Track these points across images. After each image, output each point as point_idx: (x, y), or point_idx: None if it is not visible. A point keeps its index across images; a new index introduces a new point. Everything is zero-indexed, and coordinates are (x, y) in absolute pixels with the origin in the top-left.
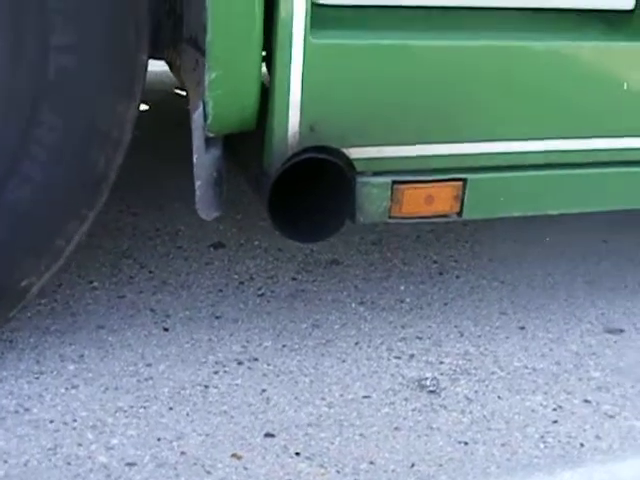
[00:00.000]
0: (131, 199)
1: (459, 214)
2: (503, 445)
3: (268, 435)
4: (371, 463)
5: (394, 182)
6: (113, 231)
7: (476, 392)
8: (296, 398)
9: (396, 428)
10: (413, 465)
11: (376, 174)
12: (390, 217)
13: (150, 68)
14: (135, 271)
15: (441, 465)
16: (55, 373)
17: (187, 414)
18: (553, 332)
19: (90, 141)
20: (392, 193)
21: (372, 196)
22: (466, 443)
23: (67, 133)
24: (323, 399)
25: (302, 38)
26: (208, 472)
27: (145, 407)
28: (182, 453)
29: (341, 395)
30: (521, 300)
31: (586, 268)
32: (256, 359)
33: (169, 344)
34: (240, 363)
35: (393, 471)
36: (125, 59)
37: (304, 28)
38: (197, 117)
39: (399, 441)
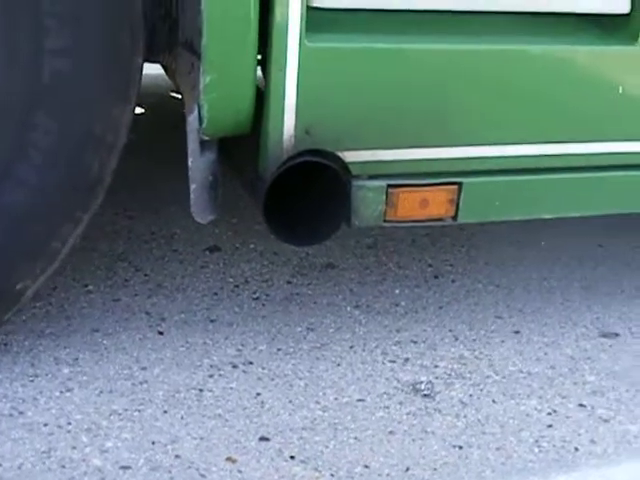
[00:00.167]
0: (126, 202)
1: (454, 218)
2: (498, 449)
3: (263, 439)
4: (365, 467)
5: (389, 186)
6: (108, 234)
7: (471, 396)
8: (291, 402)
9: (391, 432)
10: (408, 469)
11: (371, 178)
12: (385, 221)
13: (146, 71)
14: (130, 274)
15: (435, 469)
16: (50, 376)
17: (182, 417)
18: (548, 336)
19: (85, 144)
20: (387, 197)
21: (367, 200)
22: (461, 447)
23: (62, 136)
24: (318, 403)
25: (297, 42)
26: (202, 475)
27: (140, 410)
28: (176, 456)
29: (336, 399)
30: (516, 304)
31: (582, 272)
32: (251, 362)
33: (164, 347)
34: (235, 366)
35: (387, 475)
36: (120, 62)
37: (299, 32)
38: (192, 120)
39: (394, 445)
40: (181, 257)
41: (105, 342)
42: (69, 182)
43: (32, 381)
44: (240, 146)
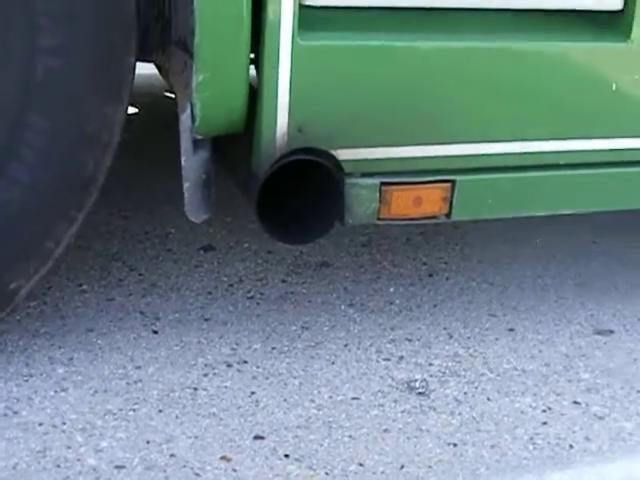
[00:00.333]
0: (121, 202)
1: (448, 216)
2: (492, 447)
3: (257, 437)
4: (360, 465)
5: (382, 183)
6: (103, 234)
7: (465, 394)
8: (285, 400)
9: (385, 430)
10: (402, 467)
11: (364, 175)
12: (379, 219)
13: (140, 71)
14: (124, 274)
15: (430, 467)
16: (44, 376)
17: (176, 417)
18: (543, 334)
19: (78, 143)
20: (380, 194)
21: (361, 197)
22: (455, 445)
23: (55, 135)
24: (312, 401)
25: (290, 40)
26: (197, 474)
27: (134, 410)
28: (171, 455)
29: (330, 397)
30: (511, 302)
31: (576, 270)
32: (245, 361)
33: (158, 347)
34: (229, 365)
35: (382, 473)
36: (113, 62)
37: (292, 30)
38: (185, 119)
39: (388, 443)
40: (175, 256)
41: (100, 341)
42: (63, 181)
43: (27, 381)
44: (233, 144)
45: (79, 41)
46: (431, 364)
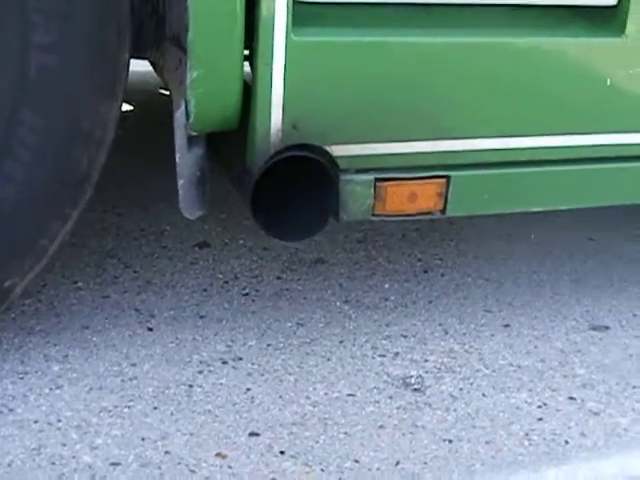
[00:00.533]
0: (115, 199)
1: (443, 211)
2: (488, 443)
3: (253, 434)
4: (356, 461)
5: (377, 179)
6: (97, 231)
7: (461, 390)
8: (280, 397)
9: (381, 426)
10: (398, 463)
11: (359, 171)
12: (374, 215)
13: (134, 68)
14: (120, 271)
15: (426, 463)
16: (39, 373)
17: (171, 413)
18: (538, 329)
19: (72, 141)
20: (375, 190)
21: (355, 194)
22: (450, 441)
23: (49, 133)
24: (307, 398)
25: (284, 36)
26: (192, 471)
27: (129, 407)
28: (166, 452)
29: (325, 394)
30: (506, 297)
31: (572, 265)
32: (240, 358)
33: (153, 344)
34: (224, 362)
35: (378, 469)
36: (107, 59)
37: (286, 26)
38: (179, 116)
39: (384, 439)
40: (170, 253)
41: (95, 339)
42: (57, 178)
43: (22, 378)
44: (228, 141)
45: (73, 38)
46: (426, 360)
